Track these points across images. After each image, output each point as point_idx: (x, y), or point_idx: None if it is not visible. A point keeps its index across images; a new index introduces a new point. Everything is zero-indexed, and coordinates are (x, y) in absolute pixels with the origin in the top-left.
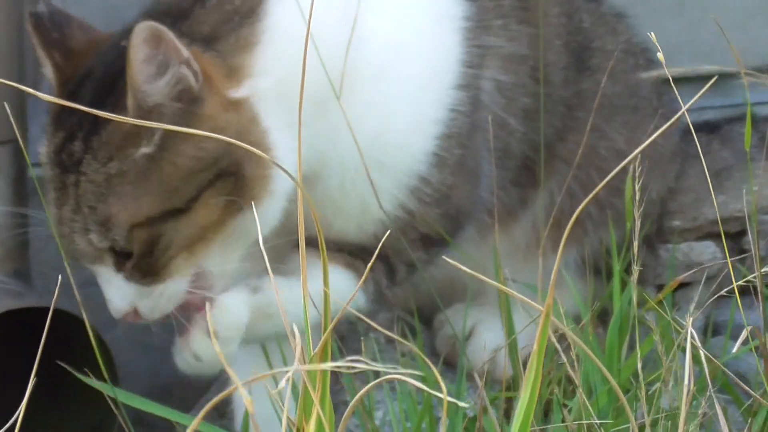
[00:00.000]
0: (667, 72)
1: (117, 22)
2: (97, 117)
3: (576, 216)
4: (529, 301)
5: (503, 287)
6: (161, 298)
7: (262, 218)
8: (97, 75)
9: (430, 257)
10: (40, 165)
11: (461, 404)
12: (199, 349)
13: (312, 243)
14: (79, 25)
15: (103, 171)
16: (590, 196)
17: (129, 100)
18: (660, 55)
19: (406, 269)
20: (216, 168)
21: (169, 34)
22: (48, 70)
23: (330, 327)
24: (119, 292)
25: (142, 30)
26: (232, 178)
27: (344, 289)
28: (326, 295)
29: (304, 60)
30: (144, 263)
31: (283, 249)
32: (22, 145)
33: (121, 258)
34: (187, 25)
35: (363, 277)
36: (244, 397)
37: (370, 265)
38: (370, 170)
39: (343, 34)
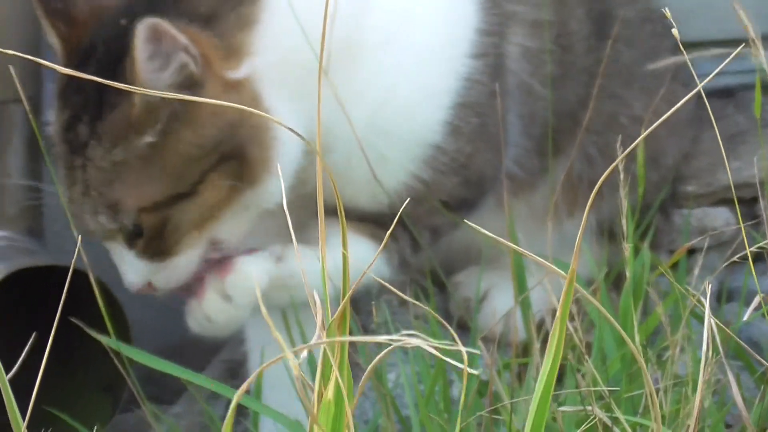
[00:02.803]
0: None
1: None
2: (101, 102)
3: (599, 185)
4: (546, 263)
5: (517, 248)
6: (175, 270)
7: (266, 197)
8: (98, 54)
9: (451, 224)
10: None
11: (471, 371)
12: (210, 311)
13: (333, 213)
14: None
15: (108, 158)
16: (613, 163)
17: (136, 96)
18: (674, 31)
19: (431, 235)
20: (218, 152)
21: (167, 26)
22: (53, 40)
23: (348, 294)
24: (132, 268)
25: (143, 29)
26: (234, 161)
27: (369, 259)
28: (345, 258)
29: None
30: (154, 243)
31: (305, 219)
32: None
33: (132, 236)
34: (186, 3)
35: (381, 246)
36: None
37: (387, 237)
38: (377, 141)
39: (348, 5)
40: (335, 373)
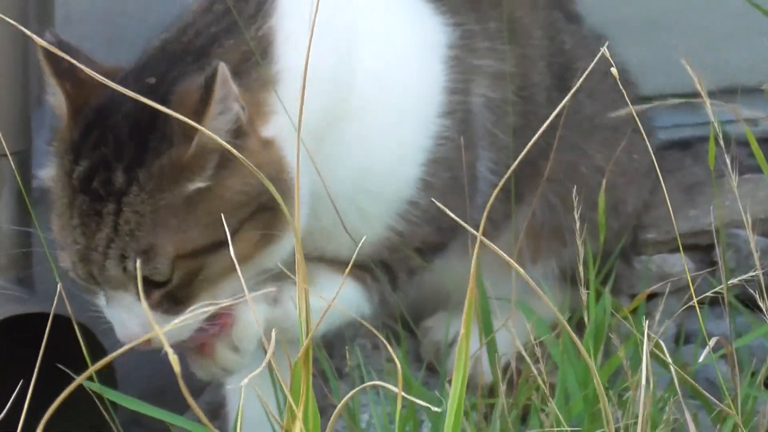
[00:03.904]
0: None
1: (121, 52)
2: (141, 149)
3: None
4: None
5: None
6: (183, 324)
7: (282, 251)
8: (127, 110)
9: (427, 263)
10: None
11: (435, 409)
12: (224, 363)
13: (317, 258)
14: (85, 57)
15: (151, 202)
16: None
17: (196, 137)
18: (613, 71)
19: (408, 275)
20: (257, 202)
21: (229, 73)
22: (57, 99)
23: (310, 334)
24: (138, 319)
25: (222, 71)
26: (268, 212)
27: (354, 301)
28: (306, 305)
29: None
30: (176, 293)
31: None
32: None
33: (150, 287)
34: (208, 62)
35: (345, 278)
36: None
37: (345, 272)
38: (360, 199)
39: (338, 72)
40: (301, 408)
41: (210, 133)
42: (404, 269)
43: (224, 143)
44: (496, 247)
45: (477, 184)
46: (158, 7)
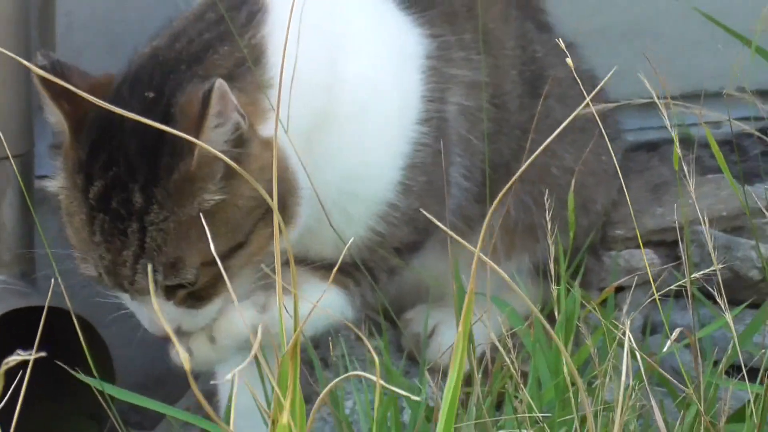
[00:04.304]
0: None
1: (121, 58)
2: (153, 167)
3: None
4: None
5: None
6: (207, 315)
7: (293, 237)
8: (131, 127)
9: (405, 262)
10: (45, 177)
11: (413, 398)
12: (193, 345)
13: (302, 263)
14: (78, 72)
15: (173, 219)
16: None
17: (196, 150)
18: (569, 60)
19: (388, 275)
20: (266, 204)
21: (228, 87)
22: (56, 119)
23: (299, 327)
24: (167, 316)
25: (218, 88)
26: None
27: (338, 306)
28: (296, 299)
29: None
30: (200, 292)
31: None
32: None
33: (175, 288)
34: (203, 68)
35: (329, 279)
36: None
37: (330, 278)
38: (345, 201)
39: (326, 79)
40: (288, 399)
41: (205, 146)
42: (384, 269)
43: (219, 154)
44: (470, 245)
45: (450, 189)
46: (157, 14)
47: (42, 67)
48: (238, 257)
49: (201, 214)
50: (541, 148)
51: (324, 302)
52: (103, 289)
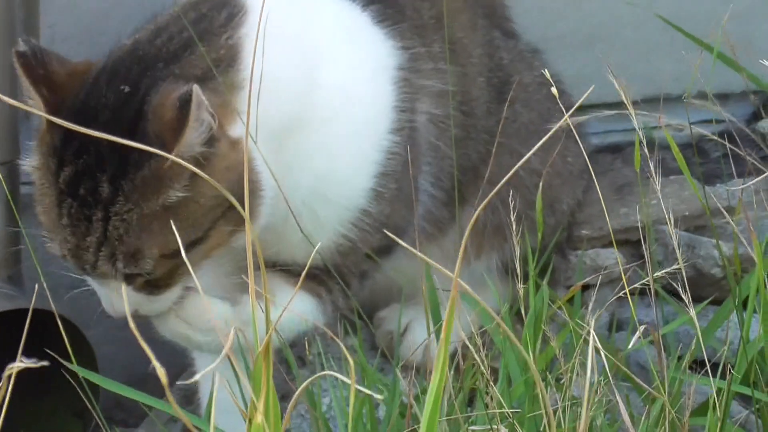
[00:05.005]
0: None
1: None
2: (122, 161)
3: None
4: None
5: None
6: (165, 301)
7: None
8: (105, 118)
9: (375, 267)
10: (30, 184)
11: (377, 397)
12: (169, 324)
13: (277, 269)
14: (57, 58)
15: (137, 211)
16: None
17: (174, 152)
18: (554, 90)
19: (360, 279)
20: (228, 202)
21: (201, 93)
22: (36, 104)
23: (271, 330)
24: (125, 300)
25: (196, 95)
26: (236, 209)
27: (308, 313)
28: (267, 302)
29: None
30: (157, 281)
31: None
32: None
33: (134, 275)
34: (180, 67)
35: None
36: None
37: (298, 284)
38: (316, 205)
39: (300, 84)
40: (262, 400)
41: (177, 159)
42: (355, 275)
43: (193, 168)
44: (441, 246)
45: (418, 195)
46: (139, 26)
47: (23, 53)
48: (196, 251)
49: (164, 209)
50: (525, 158)
51: (295, 310)
52: (67, 265)
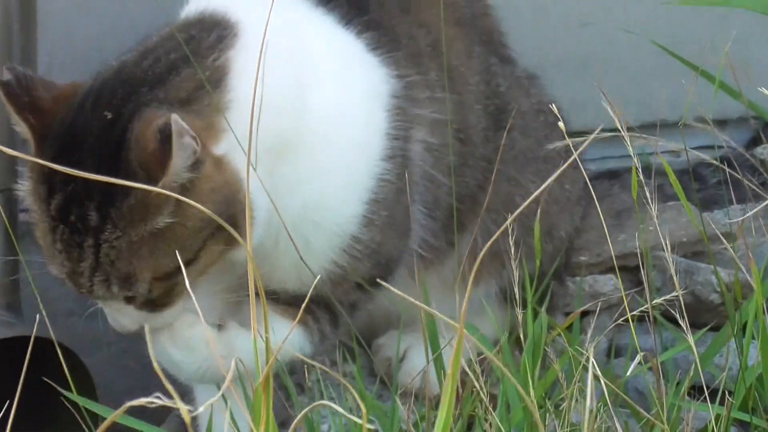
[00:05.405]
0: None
1: None
2: (111, 188)
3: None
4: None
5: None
6: (167, 318)
7: (241, 255)
8: (89, 145)
9: (367, 298)
10: (27, 211)
11: (369, 427)
12: (164, 346)
13: (267, 295)
14: (43, 83)
15: (125, 238)
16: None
17: (161, 183)
18: (561, 124)
19: (349, 310)
20: (216, 223)
21: (182, 120)
22: (22, 130)
23: (271, 361)
24: (128, 317)
25: (177, 126)
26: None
27: (297, 342)
28: (267, 340)
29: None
30: (155, 301)
31: (243, 298)
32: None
33: (133, 297)
34: (164, 90)
35: (297, 320)
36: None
37: (297, 318)
38: (306, 230)
39: (293, 104)
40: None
41: (163, 191)
42: (345, 305)
43: (179, 196)
44: (437, 276)
45: (410, 224)
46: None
47: (7, 81)
48: (190, 271)
49: (152, 234)
50: (532, 198)
51: (280, 338)
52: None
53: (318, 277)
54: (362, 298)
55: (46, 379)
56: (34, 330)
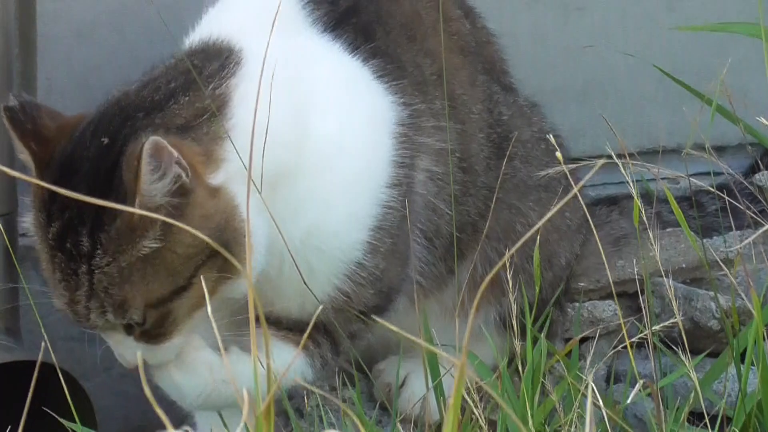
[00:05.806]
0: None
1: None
2: (99, 213)
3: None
4: (448, 356)
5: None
6: (168, 351)
7: (241, 288)
8: (86, 171)
9: (367, 326)
10: (25, 236)
11: None
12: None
13: (269, 320)
14: (47, 112)
15: (115, 264)
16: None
17: (137, 203)
18: (558, 154)
19: (349, 339)
20: (208, 250)
21: (165, 143)
22: (25, 157)
23: (273, 390)
24: (130, 350)
25: (149, 146)
26: (220, 256)
27: (298, 368)
28: (268, 367)
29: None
30: (152, 331)
31: (244, 325)
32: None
33: (131, 326)
34: (161, 117)
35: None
36: None
37: (300, 344)
38: (310, 256)
39: (294, 133)
40: None
41: (142, 212)
42: (346, 333)
43: (159, 216)
44: (437, 303)
45: (409, 252)
46: (136, 77)
47: (11, 108)
48: (182, 299)
49: (142, 259)
50: (535, 228)
51: (283, 364)
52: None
53: (321, 306)
54: (362, 328)
55: (45, 408)
56: (40, 355)
